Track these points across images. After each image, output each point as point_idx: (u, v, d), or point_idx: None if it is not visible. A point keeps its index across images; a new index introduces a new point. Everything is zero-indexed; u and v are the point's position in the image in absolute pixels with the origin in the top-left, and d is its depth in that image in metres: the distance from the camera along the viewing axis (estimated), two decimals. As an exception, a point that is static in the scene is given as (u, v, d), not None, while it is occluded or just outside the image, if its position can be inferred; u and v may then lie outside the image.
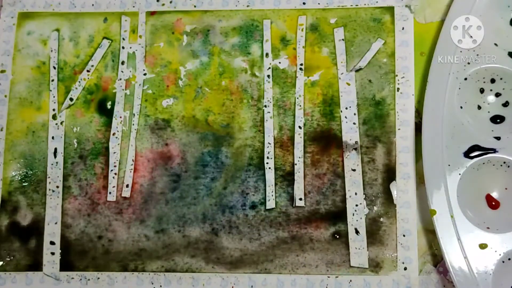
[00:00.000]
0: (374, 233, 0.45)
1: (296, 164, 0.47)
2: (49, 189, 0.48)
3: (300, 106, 0.48)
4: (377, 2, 0.48)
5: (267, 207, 0.46)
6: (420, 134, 0.44)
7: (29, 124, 0.49)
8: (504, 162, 0.43)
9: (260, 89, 0.48)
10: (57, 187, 0.48)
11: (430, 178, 0.43)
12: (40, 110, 0.49)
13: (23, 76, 0.50)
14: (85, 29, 0.50)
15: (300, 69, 0.48)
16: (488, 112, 0.45)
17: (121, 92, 0.49)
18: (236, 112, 0.48)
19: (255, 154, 0.47)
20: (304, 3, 0.49)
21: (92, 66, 0.50)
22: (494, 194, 0.44)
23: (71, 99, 0.49)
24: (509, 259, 0.42)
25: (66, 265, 0.47)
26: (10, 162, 0.49)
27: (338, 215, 0.46)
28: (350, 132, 0.47)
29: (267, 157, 0.47)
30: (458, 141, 0.44)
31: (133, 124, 0.48)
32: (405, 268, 0.45)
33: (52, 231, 0.47)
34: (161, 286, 0.46)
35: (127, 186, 0.48)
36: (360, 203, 0.46)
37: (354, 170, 0.46)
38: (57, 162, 0.48)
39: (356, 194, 0.46)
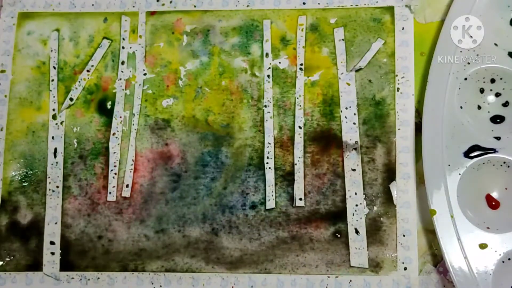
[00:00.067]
0: (374, 233, 0.45)
1: (296, 164, 0.47)
2: (49, 189, 0.48)
3: (300, 106, 0.47)
4: (377, 2, 0.48)
5: (267, 207, 0.46)
6: (420, 134, 0.44)
7: (29, 124, 0.49)
8: (504, 162, 0.43)
9: (260, 89, 0.48)
10: (57, 187, 0.48)
11: (430, 178, 0.43)
12: (40, 110, 0.49)
13: (23, 76, 0.50)
14: (85, 29, 0.50)
15: (300, 69, 0.48)
16: (488, 112, 0.45)
17: (121, 92, 0.49)
18: (236, 112, 0.48)
19: (255, 154, 0.47)
20: (304, 3, 0.49)
21: (92, 66, 0.50)
22: (494, 194, 0.44)
23: (71, 99, 0.49)
24: (509, 259, 0.42)
25: (66, 265, 0.47)
26: (10, 162, 0.49)
27: (338, 215, 0.46)
28: (350, 132, 0.47)
29: (267, 157, 0.47)
30: (458, 141, 0.44)
31: (133, 124, 0.48)
32: (405, 268, 0.45)
33: (52, 231, 0.47)
34: (161, 286, 0.46)
35: (127, 186, 0.48)
36: (360, 203, 0.46)
37: (354, 170, 0.46)
38: (57, 162, 0.48)
39: (356, 194, 0.46)
